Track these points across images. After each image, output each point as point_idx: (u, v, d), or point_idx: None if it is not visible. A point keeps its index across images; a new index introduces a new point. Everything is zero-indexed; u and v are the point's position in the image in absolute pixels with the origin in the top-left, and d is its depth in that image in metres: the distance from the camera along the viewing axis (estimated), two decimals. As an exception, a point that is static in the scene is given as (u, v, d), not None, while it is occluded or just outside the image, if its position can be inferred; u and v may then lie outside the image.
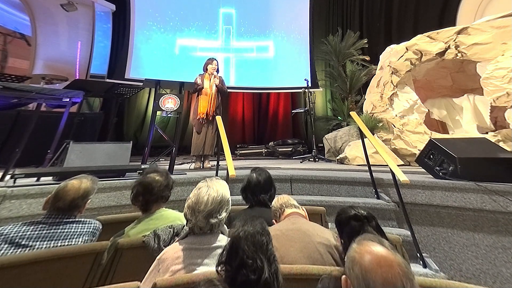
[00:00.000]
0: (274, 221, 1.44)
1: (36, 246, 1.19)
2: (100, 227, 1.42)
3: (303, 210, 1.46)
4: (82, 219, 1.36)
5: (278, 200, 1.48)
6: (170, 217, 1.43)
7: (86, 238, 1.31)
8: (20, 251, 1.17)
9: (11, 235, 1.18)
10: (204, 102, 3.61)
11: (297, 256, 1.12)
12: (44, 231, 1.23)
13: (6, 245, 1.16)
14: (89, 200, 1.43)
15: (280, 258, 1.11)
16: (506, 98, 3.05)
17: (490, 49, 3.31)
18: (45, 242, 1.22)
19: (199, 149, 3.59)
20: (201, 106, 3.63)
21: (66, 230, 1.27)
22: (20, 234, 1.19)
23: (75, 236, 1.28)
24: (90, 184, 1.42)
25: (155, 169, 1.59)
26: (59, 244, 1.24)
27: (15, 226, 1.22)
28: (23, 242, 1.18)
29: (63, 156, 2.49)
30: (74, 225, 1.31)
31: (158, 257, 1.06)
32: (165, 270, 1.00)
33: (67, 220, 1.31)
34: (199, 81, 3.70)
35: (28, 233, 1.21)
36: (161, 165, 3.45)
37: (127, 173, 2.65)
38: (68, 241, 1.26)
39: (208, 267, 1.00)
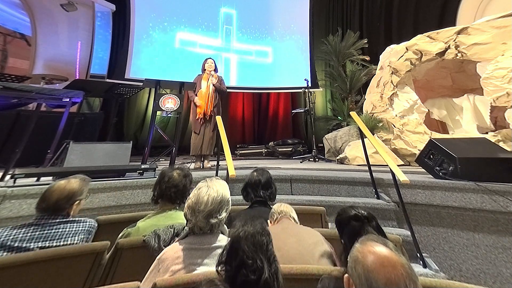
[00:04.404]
0: (269, 221, 1.45)
1: (30, 247, 1.17)
2: (96, 225, 1.41)
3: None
4: (76, 219, 1.34)
5: (280, 206, 1.47)
6: (179, 218, 1.43)
7: (82, 237, 1.30)
8: (13, 254, 1.14)
9: (1, 239, 1.15)
10: (202, 101, 3.61)
11: (294, 246, 1.16)
12: (37, 233, 1.21)
13: None
14: (78, 201, 1.37)
15: (277, 249, 1.13)
16: (506, 98, 3.05)
17: (490, 49, 3.31)
18: (39, 243, 1.19)
19: (198, 149, 3.58)
20: (199, 106, 3.63)
21: (60, 230, 1.26)
22: (11, 237, 1.16)
23: (70, 235, 1.27)
24: (78, 185, 1.38)
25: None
26: (54, 244, 1.22)
27: (5, 230, 1.19)
28: (15, 245, 1.15)
29: (63, 156, 2.50)
30: (68, 224, 1.29)
31: (158, 257, 1.06)
32: (165, 270, 1.00)
33: (61, 220, 1.28)
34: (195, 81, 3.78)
35: (20, 235, 1.18)
36: (161, 165, 3.44)
37: (127, 173, 2.65)
38: (64, 241, 1.24)
39: (208, 267, 1.00)
